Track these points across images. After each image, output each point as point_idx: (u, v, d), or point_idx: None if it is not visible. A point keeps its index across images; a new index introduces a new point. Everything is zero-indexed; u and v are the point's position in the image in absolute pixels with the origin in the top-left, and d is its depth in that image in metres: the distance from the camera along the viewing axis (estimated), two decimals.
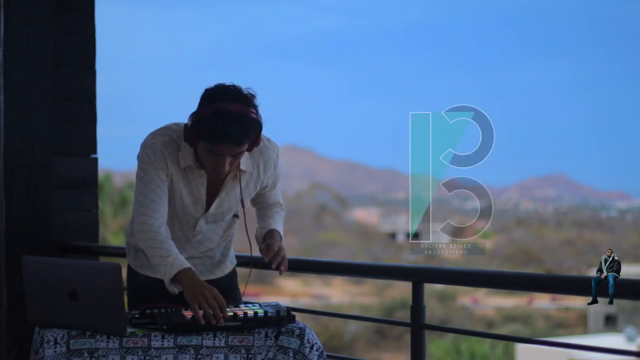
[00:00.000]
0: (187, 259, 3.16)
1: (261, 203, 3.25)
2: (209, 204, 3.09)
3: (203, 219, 3.10)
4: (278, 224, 3.21)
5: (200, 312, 2.80)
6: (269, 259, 3.06)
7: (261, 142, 3.06)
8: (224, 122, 2.84)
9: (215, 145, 2.87)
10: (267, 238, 3.15)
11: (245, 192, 3.10)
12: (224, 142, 2.86)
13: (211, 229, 3.15)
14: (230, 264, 3.28)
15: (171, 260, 2.90)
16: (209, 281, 3.18)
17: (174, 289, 2.91)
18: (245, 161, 3.05)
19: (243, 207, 3.10)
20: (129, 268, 3.27)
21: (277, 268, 3.07)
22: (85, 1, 4.58)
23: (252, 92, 2.92)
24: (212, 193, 3.09)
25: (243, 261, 3.35)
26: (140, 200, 3.00)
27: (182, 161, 3.01)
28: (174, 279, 2.89)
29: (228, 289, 3.24)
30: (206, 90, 2.92)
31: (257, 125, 2.91)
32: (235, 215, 3.21)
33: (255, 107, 2.92)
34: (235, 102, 2.87)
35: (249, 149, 2.96)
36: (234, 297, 3.24)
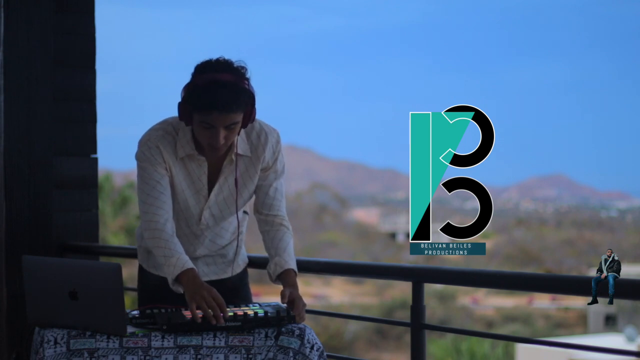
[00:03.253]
0: (200, 258, 3.17)
1: (261, 209, 3.14)
2: (210, 193, 3.09)
3: (207, 209, 3.10)
4: (293, 259, 3.09)
5: (199, 313, 2.81)
6: (294, 313, 2.91)
7: (258, 126, 3.06)
8: (215, 90, 2.84)
9: (207, 115, 2.86)
10: (284, 280, 3.03)
11: (244, 175, 3.08)
12: (216, 110, 2.85)
13: (217, 223, 3.14)
14: (242, 262, 3.27)
15: (174, 260, 2.91)
16: (221, 280, 3.19)
17: (178, 289, 2.91)
18: (242, 145, 3.04)
19: (237, 185, 3.06)
20: (140, 268, 3.27)
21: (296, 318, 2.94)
22: (85, 1, 4.58)
23: (243, 65, 2.93)
24: (213, 182, 3.08)
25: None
26: (143, 199, 3.01)
27: (181, 150, 3.01)
28: (177, 280, 2.90)
29: (239, 287, 3.24)
30: (197, 64, 2.93)
31: (249, 94, 2.91)
32: (245, 212, 3.21)
33: (246, 78, 2.92)
34: (226, 72, 2.88)
35: (244, 124, 2.95)
36: (244, 296, 3.24)
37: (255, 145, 3.07)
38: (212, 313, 2.78)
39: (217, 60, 2.92)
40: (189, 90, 2.90)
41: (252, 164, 3.08)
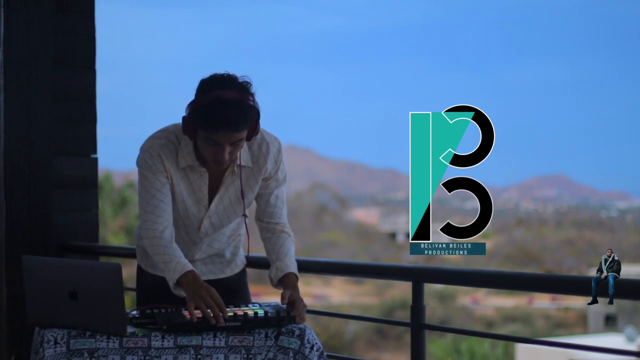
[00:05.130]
0: (197, 260, 3.17)
1: (263, 217, 3.15)
2: (210, 202, 3.09)
3: (207, 219, 3.10)
4: (294, 264, 3.10)
5: (196, 312, 2.80)
6: (294, 314, 2.90)
7: (260, 136, 3.06)
8: (221, 109, 2.83)
9: (213, 133, 2.86)
10: (285, 283, 3.04)
11: (245, 185, 3.08)
12: (222, 129, 2.84)
13: (216, 230, 3.14)
14: (240, 263, 3.28)
15: (173, 265, 2.91)
16: (219, 280, 3.20)
17: (180, 293, 2.92)
18: (244, 156, 3.04)
19: (243, 198, 3.08)
20: (139, 268, 3.28)
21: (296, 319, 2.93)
22: (85, 1, 4.58)
23: (247, 80, 2.92)
24: (214, 192, 3.09)
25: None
26: (143, 207, 3.01)
27: (182, 161, 3.01)
28: (178, 283, 2.90)
29: (238, 287, 3.25)
30: (201, 80, 2.92)
31: (255, 111, 2.90)
32: (244, 215, 3.21)
33: (251, 94, 2.91)
34: (232, 89, 2.87)
35: (248, 138, 2.95)
36: (243, 296, 3.24)
37: (256, 156, 3.07)
38: (211, 313, 2.79)
39: (222, 76, 2.91)
40: (194, 107, 2.89)
41: (253, 175, 3.08)
